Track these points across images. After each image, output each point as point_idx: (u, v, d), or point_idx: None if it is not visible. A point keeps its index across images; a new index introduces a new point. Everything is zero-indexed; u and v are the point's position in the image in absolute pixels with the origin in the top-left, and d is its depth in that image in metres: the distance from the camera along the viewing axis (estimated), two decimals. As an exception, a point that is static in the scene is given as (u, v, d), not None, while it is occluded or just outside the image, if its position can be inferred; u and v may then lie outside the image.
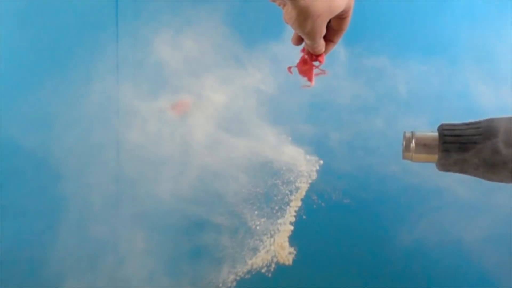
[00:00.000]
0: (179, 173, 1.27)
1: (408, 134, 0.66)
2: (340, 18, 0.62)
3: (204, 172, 1.25)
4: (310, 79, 0.68)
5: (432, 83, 1.28)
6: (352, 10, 0.62)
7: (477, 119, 0.64)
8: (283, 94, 1.24)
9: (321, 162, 1.27)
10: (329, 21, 0.63)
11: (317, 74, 0.68)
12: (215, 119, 1.25)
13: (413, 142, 0.66)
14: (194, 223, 1.32)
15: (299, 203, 1.27)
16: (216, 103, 1.27)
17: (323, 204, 1.25)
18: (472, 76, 1.22)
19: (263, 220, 1.23)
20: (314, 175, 1.25)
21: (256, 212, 1.23)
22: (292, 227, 1.22)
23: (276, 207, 1.26)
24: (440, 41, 1.31)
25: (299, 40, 0.64)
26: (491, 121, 0.63)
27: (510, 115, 0.63)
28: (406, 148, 0.66)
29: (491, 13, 1.28)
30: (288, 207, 1.27)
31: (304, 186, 1.28)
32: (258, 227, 1.24)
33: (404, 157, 0.67)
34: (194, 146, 1.24)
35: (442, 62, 1.26)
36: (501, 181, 0.63)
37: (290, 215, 1.28)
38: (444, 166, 0.65)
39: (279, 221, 1.27)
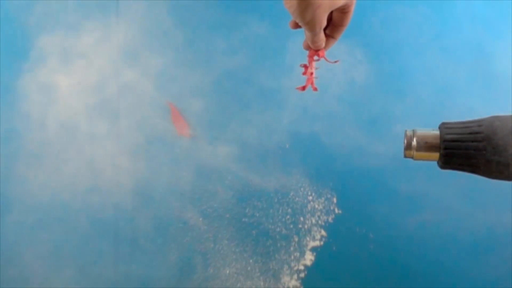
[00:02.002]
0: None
1: (409, 132, 0.67)
2: (342, 12, 0.64)
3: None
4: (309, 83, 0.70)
5: (433, 83, 1.28)
6: (353, 6, 0.64)
7: (478, 118, 0.64)
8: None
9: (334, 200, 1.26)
10: (331, 16, 0.65)
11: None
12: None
13: (414, 140, 0.66)
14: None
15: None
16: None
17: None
18: (473, 76, 1.22)
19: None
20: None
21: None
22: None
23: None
24: (440, 41, 1.31)
25: (296, 25, 0.66)
26: (492, 120, 0.63)
27: (510, 114, 0.63)
28: (408, 146, 0.67)
29: (491, 13, 1.29)
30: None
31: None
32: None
33: (405, 155, 0.67)
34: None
35: (442, 62, 1.26)
36: (502, 179, 0.63)
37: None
38: (445, 164, 0.65)
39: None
